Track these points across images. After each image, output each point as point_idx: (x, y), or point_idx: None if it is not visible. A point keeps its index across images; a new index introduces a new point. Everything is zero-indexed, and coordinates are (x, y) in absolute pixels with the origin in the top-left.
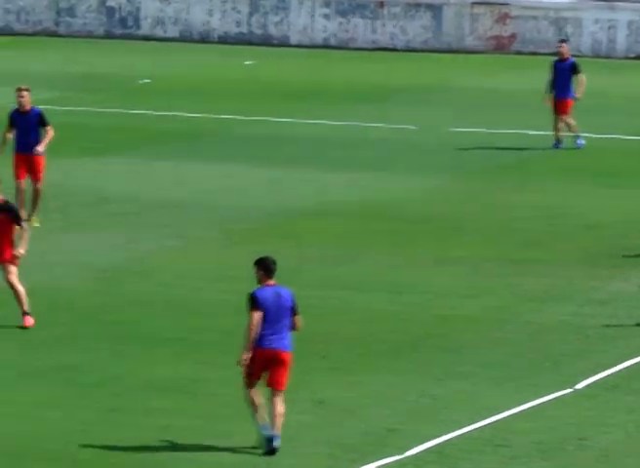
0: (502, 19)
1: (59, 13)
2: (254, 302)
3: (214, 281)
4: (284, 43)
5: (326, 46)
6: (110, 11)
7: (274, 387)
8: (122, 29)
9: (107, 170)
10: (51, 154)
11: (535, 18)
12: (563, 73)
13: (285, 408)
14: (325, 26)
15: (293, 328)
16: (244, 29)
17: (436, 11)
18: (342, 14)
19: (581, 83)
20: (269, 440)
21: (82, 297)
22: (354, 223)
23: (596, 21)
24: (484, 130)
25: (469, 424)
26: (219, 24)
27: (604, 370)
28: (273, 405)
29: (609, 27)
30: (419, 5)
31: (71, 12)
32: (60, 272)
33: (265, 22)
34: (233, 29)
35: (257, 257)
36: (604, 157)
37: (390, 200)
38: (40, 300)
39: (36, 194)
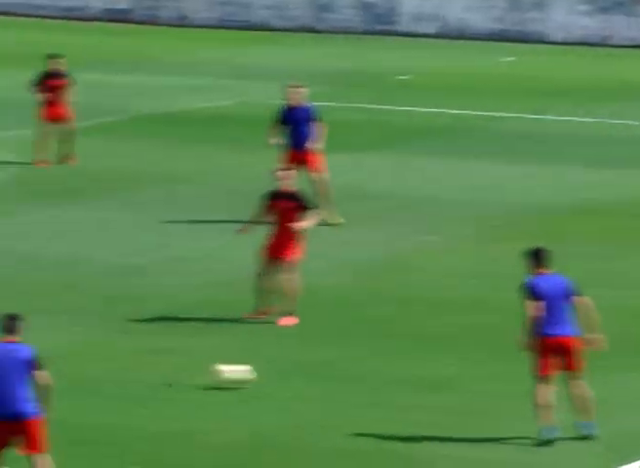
0: None
1: (317, 9)
2: (527, 291)
3: (472, 277)
4: (541, 40)
5: (584, 43)
6: (368, 7)
7: (569, 373)
8: (380, 25)
9: (365, 165)
10: None
11: None
12: None
13: (589, 392)
14: (583, 23)
15: (575, 310)
16: (502, 26)
17: None
18: (601, 10)
19: None
20: (546, 442)
21: (341, 293)
22: (612, 221)
23: None
24: None
25: None
26: (476, 21)
27: None
28: (574, 390)
29: None
30: None
31: (329, 8)
32: (319, 267)
33: (523, 19)
34: (491, 26)
35: (515, 254)
36: None
37: None
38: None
39: (321, 186)
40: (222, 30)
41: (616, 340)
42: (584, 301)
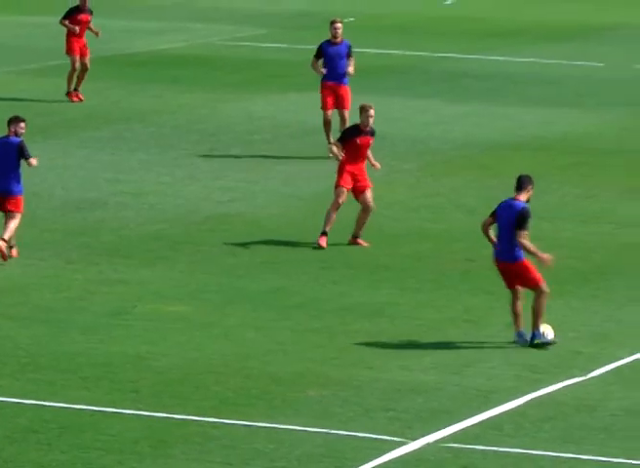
0: None
1: None
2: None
3: (409, 210)
4: None
5: None
6: None
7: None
8: None
9: (310, 103)
10: (262, 89)
11: None
12: None
13: None
14: None
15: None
16: None
17: None
18: None
19: None
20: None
21: (285, 224)
22: (545, 156)
23: None
24: None
25: None
26: None
27: None
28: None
29: None
30: None
31: None
32: (265, 200)
33: None
34: None
35: (452, 189)
36: None
37: (578, 134)
38: (244, 227)
39: (345, 123)
40: None
41: (538, 268)
42: (518, 235)
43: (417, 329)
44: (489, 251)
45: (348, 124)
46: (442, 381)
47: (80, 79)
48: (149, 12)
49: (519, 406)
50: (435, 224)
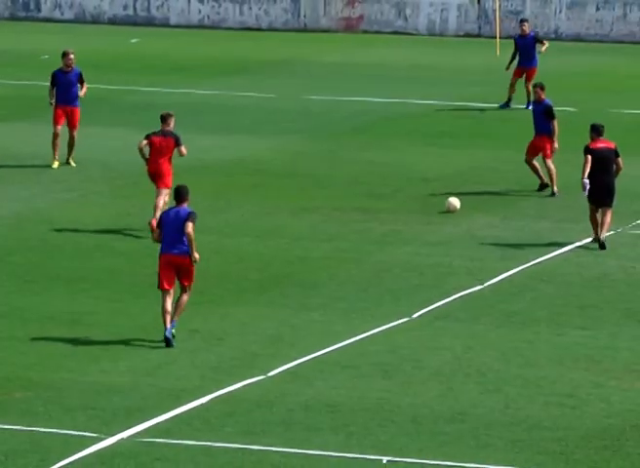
0: (352, 2)
1: None
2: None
3: (103, 229)
4: (164, 24)
5: (201, 26)
6: None
7: (181, 284)
8: (25, 12)
9: (8, 133)
10: None
11: (379, 1)
12: (526, 46)
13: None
14: (200, 9)
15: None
16: (130, 12)
17: None
18: None
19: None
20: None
21: None
22: (224, 179)
23: (431, 4)
24: (335, 98)
25: (321, 349)
26: (108, 8)
27: (436, 301)
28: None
29: (442, 10)
30: None
31: None
32: None
33: (149, 6)
34: (121, 12)
35: (141, 208)
36: (435, 121)
37: (255, 158)
38: None
39: (73, 140)
40: None
41: (222, 279)
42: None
43: (112, 335)
44: None
45: (75, 142)
46: (136, 382)
47: None
48: None
49: (205, 403)
50: (127, 241)
